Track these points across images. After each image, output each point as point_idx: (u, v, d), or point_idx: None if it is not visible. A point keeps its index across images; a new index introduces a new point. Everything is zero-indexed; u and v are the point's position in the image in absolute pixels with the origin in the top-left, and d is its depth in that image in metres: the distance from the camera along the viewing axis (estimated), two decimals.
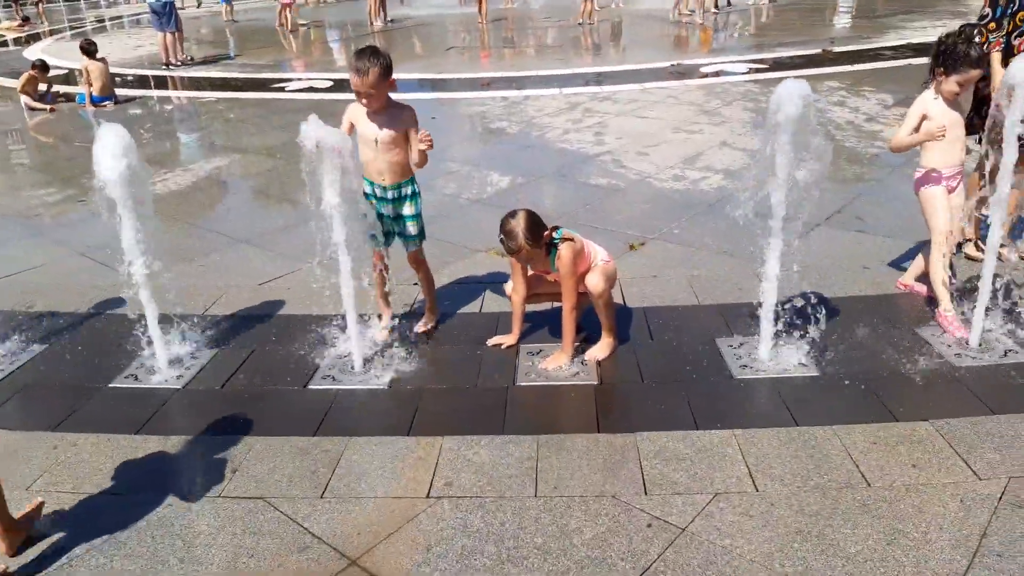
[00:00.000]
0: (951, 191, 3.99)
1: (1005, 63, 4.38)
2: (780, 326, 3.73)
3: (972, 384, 3.45)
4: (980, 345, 3.72)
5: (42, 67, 11.49)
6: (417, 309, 4.46)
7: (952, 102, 3.92)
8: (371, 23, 19.21)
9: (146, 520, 2.86)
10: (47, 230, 6.31)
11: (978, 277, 3.77)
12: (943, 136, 3.84)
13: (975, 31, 4.44)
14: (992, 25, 4.50)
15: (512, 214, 3.69)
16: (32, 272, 5.36)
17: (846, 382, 3.52)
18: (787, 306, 3.74)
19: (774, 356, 3.73)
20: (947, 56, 3.82)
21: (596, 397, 3.54)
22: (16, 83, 11.64)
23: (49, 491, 3.06)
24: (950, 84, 3.85)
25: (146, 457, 3.26)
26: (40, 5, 22.79)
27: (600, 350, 3.86)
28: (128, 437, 3.39)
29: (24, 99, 11.24)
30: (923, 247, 4.34)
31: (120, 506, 2.96)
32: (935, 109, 3.91)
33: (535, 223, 3.67)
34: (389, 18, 19.65)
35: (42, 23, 22.26)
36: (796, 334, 3.77)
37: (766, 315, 3.70)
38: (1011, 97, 3.32)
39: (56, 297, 4.89)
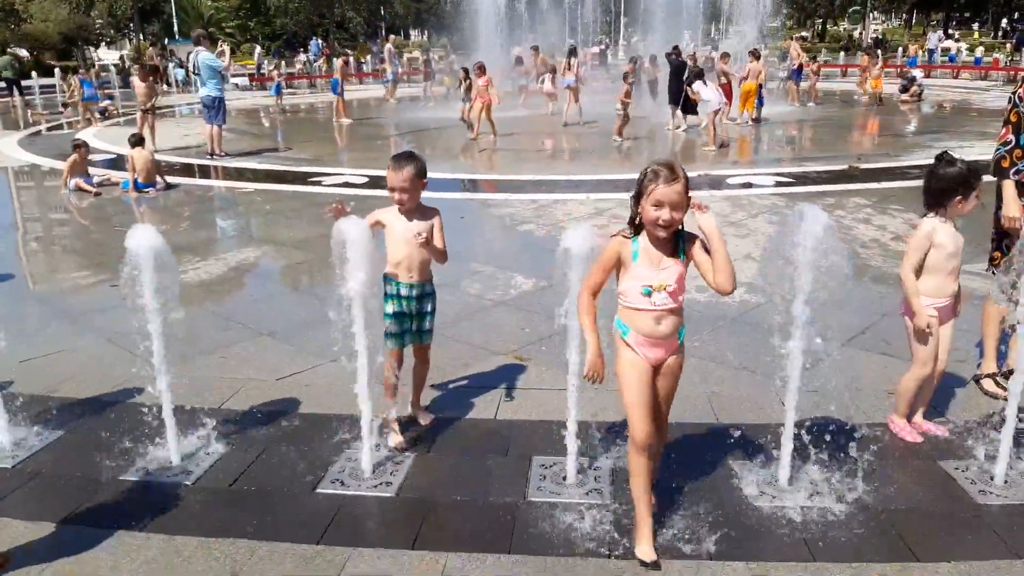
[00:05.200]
0: (941, 321, 3.98)
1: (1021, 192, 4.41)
2: (800, 451, 3.65)
3: (996, 524, 3.33)
4: (1005, 482, 3.60)
5: (84, 146, 12.06)
6: (433, 413, 4.45)
7: (955, 229, 3.94)
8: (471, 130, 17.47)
9: None
10: (78, 314, 6.45)
11: (1002, 409, 3.68)
12: (931, 333, 3.91)
13: (998, 159, 4.48)
14: (1018, 152, 4.50)
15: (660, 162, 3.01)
16: (58, 356, 5.45)
17: (866, 515, 3.41)
18: (808, 430, 3.67)
19: (793, 483, 3.63)
20: (958, 184, 3.85)
21: (610, 517, 3.45)
22: (64, 165, 12.12)
23: None
24: (970, 204, 3.89)
25: (149, 556, 3.22)
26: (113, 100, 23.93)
27: None
28: (132, 534, 3.36)
29: (74, 181, 11.67)
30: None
31: None
32: (944, 234, 3.90)
33: None
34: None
35: (117, 112, 23.30)
36: (816, 460, 3.68)
37: (786, 440, 3.63)
38: None
39: (79, 383, 4.95)
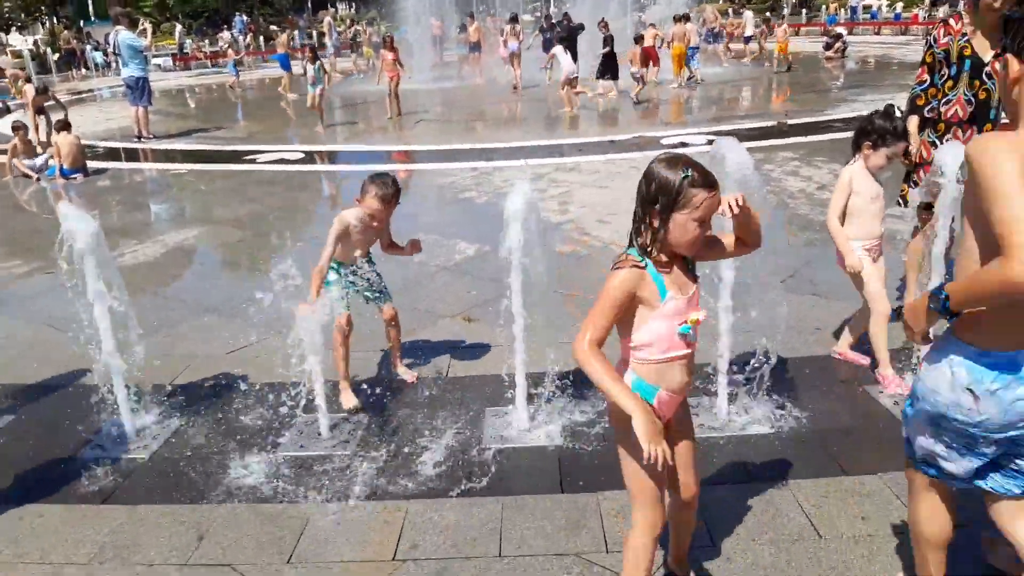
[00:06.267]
0: (874, 260, 4.17)
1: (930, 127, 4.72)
2: (736, 385, 3.88)
3: None
4: None
5: (24, 129, 11.73)
6: (383, 375, 4.56)
7: (874, 175, 4.14)
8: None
9: None
10: (13, 302, 6.31)
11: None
12: (860, 269, 4.06)
13: (914, 97, 4.75)
14: (933, 91, 4.74)
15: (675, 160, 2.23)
16: None
17: (799, 439, 3.67)
18: (743, 365, 3.89)
19: (731, 414, 3.87)
20: (876, 132, 4.06)
21: (559, 459, 3.63)
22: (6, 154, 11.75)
23: (15, 563, 3.06)
24: (879, 158, 4.08)
25: (113, 527, 3.27)
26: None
27: None
28: (95, 508, 3.41)
29: (17, 163, 11.37)
30: (854, 316, 4.52)
31: None
32: (861, 181, 4.11)
33: None
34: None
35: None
36: (751, 393, 3.92)
37: (722, 374, 3.86)
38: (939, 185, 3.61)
39: (21, 368, 4.89)
